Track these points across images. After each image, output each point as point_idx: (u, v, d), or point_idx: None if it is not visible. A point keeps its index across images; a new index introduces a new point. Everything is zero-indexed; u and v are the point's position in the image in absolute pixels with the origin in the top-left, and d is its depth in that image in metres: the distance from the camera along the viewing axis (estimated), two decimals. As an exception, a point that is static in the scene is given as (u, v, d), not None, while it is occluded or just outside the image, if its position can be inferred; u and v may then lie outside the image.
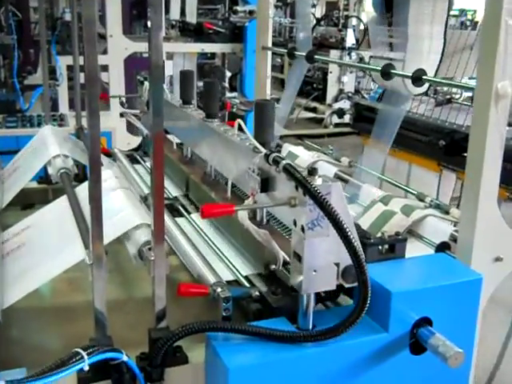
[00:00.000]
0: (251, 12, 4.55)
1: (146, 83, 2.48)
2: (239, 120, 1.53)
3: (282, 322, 1.31)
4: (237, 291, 1.37)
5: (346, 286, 1.29)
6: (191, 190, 1.96)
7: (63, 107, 4.09)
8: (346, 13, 10.64)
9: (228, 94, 4.75)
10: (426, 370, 1.35)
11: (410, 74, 1.70)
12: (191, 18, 4.44)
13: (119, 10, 4.20)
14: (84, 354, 1.11)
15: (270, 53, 2.82)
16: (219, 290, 1.35)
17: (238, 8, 4.91)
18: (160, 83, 1.19)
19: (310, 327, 1.28)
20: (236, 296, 1.35)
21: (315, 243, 1.23)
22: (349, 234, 1.15)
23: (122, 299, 1.70)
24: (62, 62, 4.03)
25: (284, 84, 9.36)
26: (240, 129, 1.63)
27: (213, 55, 5.39)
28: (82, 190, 1.69)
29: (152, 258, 1.23)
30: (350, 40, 8.02)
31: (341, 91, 8.02)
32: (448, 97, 2.54)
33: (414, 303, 1.31)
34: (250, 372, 1.19)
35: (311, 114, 8.72)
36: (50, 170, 1.92)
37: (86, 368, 1.10)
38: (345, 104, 7.78)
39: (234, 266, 1.52)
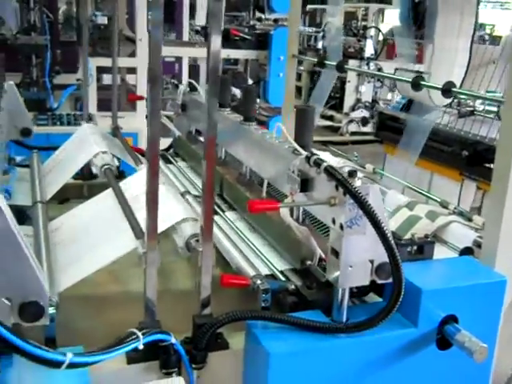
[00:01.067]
0: (276, 20, 4.66)
1: (181, 86, 2.59)
2: (279, 124, 1.63)
3: (318, 314, 1.40)
4: (274, 284, 1.46)
5: (379, 282, 1.38)
6: (225, 190, 2.06)
7: (92, 107, 4.20)
8: (364, 23, 10.75)
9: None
10: (450, 365, 1.44)
11: (441, 86, 1.79)
12: (218, 24, 4.54)
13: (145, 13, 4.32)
14: (139, 333, 1.20)
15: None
16: (259, 282, 1.44)
17: (263, 16, 5.02)
18: (216, 88, 1.28)
19: (344, 320, 1.37)
20: (274, 289, 1.44)
21: (352, 240, 1.32)
22: (386, 232, 1.24)
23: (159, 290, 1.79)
24: (93, 64, 4.14)
25: (301, 91, 9.47)
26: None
27: (235, 61, 5.50)
28: (125, 185, 1.79)
29: (201, 249, 1.33)
30: (369, 50, 8.12)
31: (358, 100, 8.11)
32: (471, 109, 2.62)
33: (442, 301, 1.40)
34: (289, 358, 1.28)
35: (328, 123, 8.82)
36: (94, 166, 2.01)
37: (141, 347, 1.20)
38: (362, 113, 7.87)
39: (269, 261, 1.60)
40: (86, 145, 2.15)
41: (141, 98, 2.74)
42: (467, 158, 2.55)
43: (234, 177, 2.04)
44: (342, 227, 1.31)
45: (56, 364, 1.06)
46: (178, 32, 6.21)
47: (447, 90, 1.75)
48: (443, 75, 2.56)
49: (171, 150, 2.76)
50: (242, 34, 4.50)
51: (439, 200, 2.09)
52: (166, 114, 2.75)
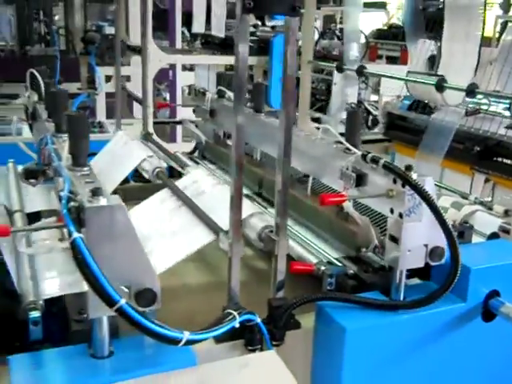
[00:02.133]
0: (273, 27, 4.83)
1: (208, 94, 2.74)
2: (327, 126, 1.80)
3: (377, 294, 1.57)
4: (336, 269, 1.63)
5: (432, 264, 1.55)
6: (265, 189, 2.22)
7: (101, 115, 4.33)
8: (341, 26, 10.99)
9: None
10: (494, 335, 1.62)
11: (465, 88, 1.98)
12: (218, 32, 4.71)
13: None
14: (235, 313, 1.36)
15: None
16: (323, 267, 1.61)
17: (259, 23, 5.20)
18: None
19: (401, 299, 1.55)
20: (336, 273, 1.61)
21: (410, 227, 1.49)
22: (444, 218, 1.42)
23: (209, 281, 1.95)
24: (101, 73, 4.27)
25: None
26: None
27: (231, 67, 5.65)
28: (182, 184, 1.94)
29: (277, 239, 1.49)
30: (354, 53, 8.32)
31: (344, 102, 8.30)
32: (477, 107, 2.82)
33: (486, 278, 1.58)
34: (361, 333, 1.46)
35: (315, 125, 8.99)
36: (143, 171, 2.15)
37: (237, 325, 1.35)
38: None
39: (323, 250, 1.77)
40: (130, 151, 2.28)
41: (169, 105, 2.88)
42: (479, 153, 2.76)
43: (273, 176, 2.20)
44: (401, 216, 1.48)
45: (175, 341, 1.21)
46: (171, 39, 6.35)
47: (471, 91, 1.94)
48: (451, 78, 2.76)
49: (196, 154, 2.91)
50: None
51: (460, 192, 2.28)
52: (189, 120, 2.91)
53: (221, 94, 2.70)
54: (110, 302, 1.15)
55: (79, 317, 1.37)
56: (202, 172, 2.03)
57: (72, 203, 1.22)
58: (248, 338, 1.45)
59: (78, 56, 5.07)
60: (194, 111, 2.94)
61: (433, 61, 7.94)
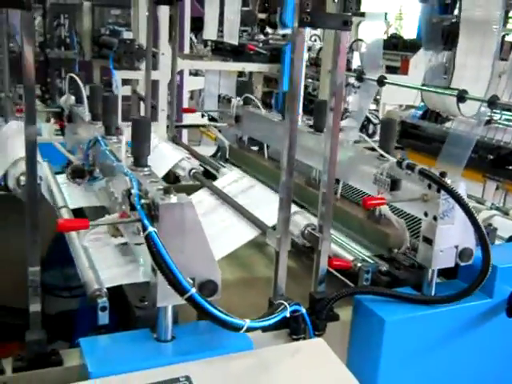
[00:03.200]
0: (284, 35, 4.96)
1: (234, 100, 2.85)
2: (362, 134, 1.92)
3: (409, 290, 1.69)
4: (371, 266, 1.75)
5: (461, 264, 1.67)
6: (294, 193, 2.32)
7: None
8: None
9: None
10: (517, 330, 1.75)
11: (487, 99, 2.11)
12: (231, 39, 4.83)
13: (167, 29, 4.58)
14: (287, 304, 1.47)
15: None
16: (359, 264, 1.73)
17: (269, 31, 5.33)
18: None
19: (433, 294, 1.67)
20: (371, 270, 1.73)
21: (443, 229, 1.61)
22: (478, 221, 1.54)
23: (241, 277, 2.06)
24: (118, 77, 4.38)
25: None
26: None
27: (240, 73, 5.78)
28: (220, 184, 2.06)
29: (320, 236, 1.61)
30: (356, 62, 8.48)
31: (345, 110, 8.45)
32: (488, 118, 2.96)
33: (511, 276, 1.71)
34: (400, 324, 1.57)
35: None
36: (180, 171, 2.27)
37: (288, 315, 1.46)
38: (349, 122, 8.22)
39: (356, 249, 1.89)
40: (166, 152, 2.39)
41: (192, 110, 2.99)
42: (491, 161, 2.89)
43: (303, 181, 2.32)
44: (435, 218, 1.61)
45: (237, 328, 1.32)
46: (180, 44, 6.46)
47: (492, 102, 2.07)
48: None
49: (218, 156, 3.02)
50: (257, 49, 4.80)
51: (475, 198, 2.40)
52: (214, 125, 3.02)
53: (246, 101, 2.82)
54: (181, 290, 1.26)
55: (141, 304, 1.48)
56: (238, 173, 2.14)
57: (143, 200, 1.34)
58: (293, 327, 1.56)
59: (90, 59, 5.18)
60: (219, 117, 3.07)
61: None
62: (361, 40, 9.29)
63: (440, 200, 1.59)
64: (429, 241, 1.64)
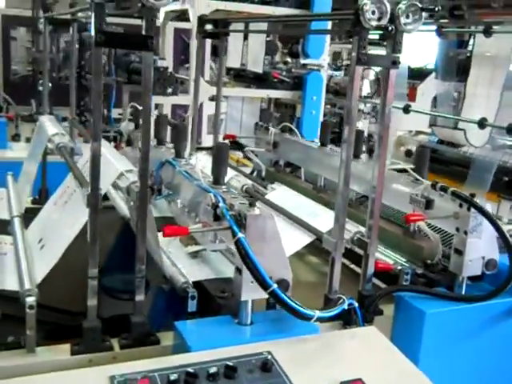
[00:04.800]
0: (304, 65, 5.28)
1: (271, 128, 3.16)
2: (398, 161, 2.22)
3: (443, 289, 1.97)
4: (409, 268, 2.02)
5: (487, 273, 1.95)
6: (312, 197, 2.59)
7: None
8: (347, 62, 11.55)
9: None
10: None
11: (505, 126, 2.41)
12: (256, 67, 5.15)
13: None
14: (344, 298, 1.74)
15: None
16: (399, 267, 2.00)
17: (289, 60, 5.66)
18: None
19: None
20: (410, 271, 2.00)
21: (473, 243, 1.90)
22: (505, 232, 1.83)
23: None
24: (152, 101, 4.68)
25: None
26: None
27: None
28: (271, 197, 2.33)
29: (368, 241, 1.89)
30: (366, 89, 8.83)
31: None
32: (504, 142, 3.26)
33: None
34: (438, 316, 1.85)
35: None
36: (233, 187, 2.54)
37: (346, 307, 1.73)
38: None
39: (394, 256, 2.16)
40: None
41: (233, 136, 3.29)
42: (506, 182, 3.18)
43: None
44: (465, 233, 1.89)
45: (309, 318, 1.60)
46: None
47: (510, 128, 2.37)
48: (475, 118, 3.19)
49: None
50: (281, 77, 5.13)
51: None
52: (252, 150, 3.31)
53: (284, 129, 3.14)
54: (265, 286, 1.54)
55: (222, 295, 1.75)
56: (286, 188, 2.43)
57: (231, 212, 1.62)
58: (347, 318, 1.82)
59: (121, 85, 5.50)
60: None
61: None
62: (370, 68, 9.69)
63: (470, 217, 1.87)
64: (459, 252, 1.93)
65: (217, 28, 2.92)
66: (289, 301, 1.56)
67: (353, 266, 2.26)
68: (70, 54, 5.25)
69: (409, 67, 11.30)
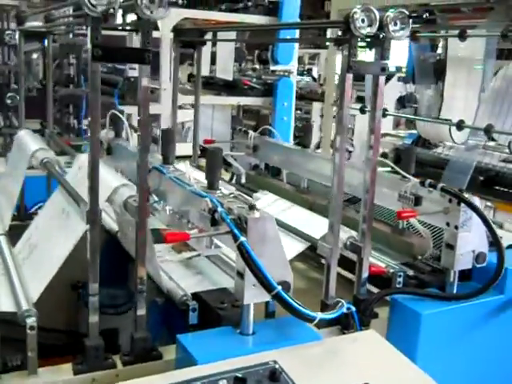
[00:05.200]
0: (273, 71, 5.32)
1: (251, 132, 3.17)
2: (386, 160, 2.25)
3: (435, 290, 2.00)
4: (402, 271, 2.05)
5: (477, 265, 2.00)
6: (317, 212, 2.63)
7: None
8: (308, 67, 11.71)
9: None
10: (524, 322, 2.07)
11: (483, 127, 2.47)
12: (225, 74, 5.16)
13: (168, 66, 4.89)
14: (344, 302, 1.76)
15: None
16: (391, 270, 2.03)
17: (257, 67, 5.70)
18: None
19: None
20: (403, 274, 2.03)
21: (463, 236, 1.94)
22: (493, 226, 1.87)
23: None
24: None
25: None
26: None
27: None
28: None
29: (362, 245, 1.91)
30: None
31: (321, 138, 8.88)
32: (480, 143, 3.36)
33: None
34: (433, 317, 1.88)
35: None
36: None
37: (345, 311, 1.75)
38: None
39: (382, 258, 2.19)
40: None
41: (212, 141, 3.29)
42: (481, 182, 3.26)
43: (321, 200, 2.63)
44: (456, 228, 1.93)
45: (312, 319, 1.61)
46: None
47: (487, 130, 2.43)
48: (454, 119, 3.27)
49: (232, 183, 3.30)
50: (251, 84, 5.15)
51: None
52: (231, 154, 3.31)
53: (263, 132, 3.15)
54: (269, 289, 1.54)
55: (221, 305, 1.75)
56: (273, 196, 2.44)
57: (231, 216, 1.62)
58: (345, 323, 1.84)
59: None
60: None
61: (402, 101, 8.52)
62: (336, 73, 9.82)
63: (460, 212, 1.92)
64: (451, 246, 1.97)
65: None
66: (293, 303, 1.57)
67: (342, 271, 2.28)
68: (33, 65, 5.20)
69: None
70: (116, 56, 1.50)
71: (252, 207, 1.61)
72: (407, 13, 1.75)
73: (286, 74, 5.10)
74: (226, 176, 3.39)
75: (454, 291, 1.99)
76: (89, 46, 1.41)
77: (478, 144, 2.82)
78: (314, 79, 9.57)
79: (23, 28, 2.75)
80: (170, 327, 1.94)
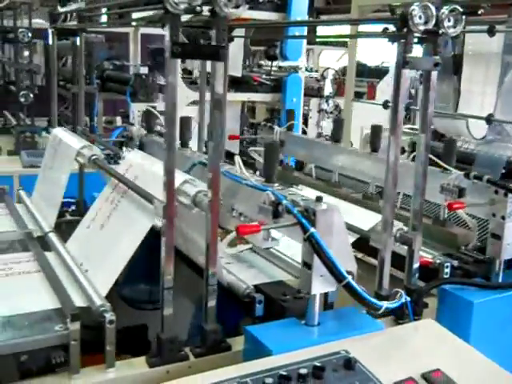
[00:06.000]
0: (280, 67, 5.36)
1: (277, 127, 3.20)
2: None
3: (480, 279, 2.06)
4: (449, 262, 2.10)
5: (524, 254, 2.06)
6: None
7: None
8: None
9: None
10: None
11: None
12: (235, 71, 5.17)
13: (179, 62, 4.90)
14: (403, 292, 1.80)
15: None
16: (438, 261, 2.08)
17: (263, 62, 5.72)
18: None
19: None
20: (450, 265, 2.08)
21: (510, 226, 1.99)
22: (541, 217, 1.93)
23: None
24: (135, 108, 4.65)
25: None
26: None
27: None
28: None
29: (413, 236, 1.95)
30: (328, 89, 9.00)
31: (319, 134, 8.93)
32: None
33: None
34: (484, 305, 1.93)
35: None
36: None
37: (403, 300, 1.79)
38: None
39: (426, 250, 2.23)
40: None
41: (237, 137, 3.32)
42: (502, 175, 3.32)
43: (357, 195, 2.67)
44: (503, 218, 1.99)
45: (379, 308, 1.65)
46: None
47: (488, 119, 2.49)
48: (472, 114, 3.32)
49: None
50: (261, 80, 5.18)
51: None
52: (255, 149, 3.34)
53: (290, 128, 3.18)
54: (339, 278, 1.58)
55: (284, 297, 1.78)
56: (310, 191, 2.48)
57: (297, 208, 1.65)
58: (400, 313, 1.88)
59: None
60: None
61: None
62: (333, 69, 9.87)
63: (508, 202, 1.97)
64: (497, 237, 2.02)
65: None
66: (362, 292, 1.62)
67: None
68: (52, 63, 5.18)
69: (366, 65, 11.64)
70: (193, 53, 1.52)
71: (319, 199, 1.64)
72: (461, 10, 1.79)
73: (294, 69, 5.13)
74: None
75: (500, 280, 2.05)
76: (166, 43, 1.43)
77: (497, 138, 2.88)
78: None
79: (56, 26, 2.76)
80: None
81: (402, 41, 1.77)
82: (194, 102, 5.49)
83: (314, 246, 1.58)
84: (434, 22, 1.76)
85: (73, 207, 2.77)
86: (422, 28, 1.74)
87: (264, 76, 5.31)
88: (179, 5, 1.39)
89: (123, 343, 1.65)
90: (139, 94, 4.62)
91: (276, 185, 1.87)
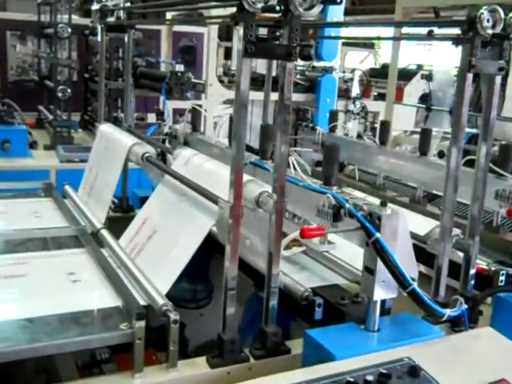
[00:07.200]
0: (313, 67, 5.33)
1: (319, 128, 3.18)
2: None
3: (536, 288, 2.02)
4: (504, 270, 2.07)
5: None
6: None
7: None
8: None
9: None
10: None
11: None
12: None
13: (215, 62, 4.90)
14: (462, 300, 1.76)
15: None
16: (493, 268, 2.04)
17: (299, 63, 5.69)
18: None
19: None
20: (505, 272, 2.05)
21: None
22: None
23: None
24: (170, 106, 4.64)
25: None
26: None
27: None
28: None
29: (471, 243, 1.92)
30: (355, 91, 8.93)
31: (346, 135, 8.89)
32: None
33: None
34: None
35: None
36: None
37: (463, 308, 1.76)
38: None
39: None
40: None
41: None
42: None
43: (401, 199, 2.65)
44: None
45: (442, 316, 1.63)
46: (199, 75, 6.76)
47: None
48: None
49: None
50: (296, 80, 5.16)
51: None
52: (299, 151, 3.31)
53: (332, 129, 3.16)
54: (404, 285, 1.56)
55: (343, 302, 1.76)
56: (360, 194, 2.45)
57: (361, 212, 1.63)
58: (457, 321, 1.85)
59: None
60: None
61: (424, 99, 8.51)
62: (361, 70, 9.80)
63: None
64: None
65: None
66: (427, 299, 1.60)
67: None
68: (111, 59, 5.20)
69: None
70: (265, 52, 1.51)
71: (384, 203, 1.62)
72: (529, 14, 1.76)
73: (329, 70, 5.10)
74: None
75: (544, 285, 2.01)
76: (239, 42, 1.42)
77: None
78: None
79: (106, 22, 2.76)
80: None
81: (467, 44, 1.74)
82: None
83: (378, 252, 1.56)
84: (501, 25, 1.73)
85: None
86: (490, 32, 1.71)
87: (298, 76, 5.30)
88: (256, 3, 1.37)
89: (159, 341, 1.63)
90: (174, 91, 4.62)
91: (335, 188, 1.85)
